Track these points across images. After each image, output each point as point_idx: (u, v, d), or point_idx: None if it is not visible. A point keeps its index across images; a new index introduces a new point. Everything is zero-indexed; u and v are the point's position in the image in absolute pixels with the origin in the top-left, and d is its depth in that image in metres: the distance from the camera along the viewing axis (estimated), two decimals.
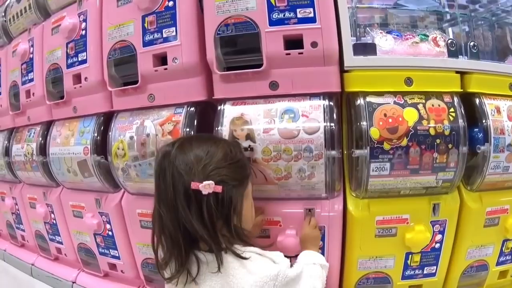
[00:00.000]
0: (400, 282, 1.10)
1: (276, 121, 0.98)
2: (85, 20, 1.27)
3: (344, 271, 1.11)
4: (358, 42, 1.09)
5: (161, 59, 1.10)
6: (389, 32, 1.11)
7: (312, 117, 0.97)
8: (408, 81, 1.01)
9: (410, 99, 1.00)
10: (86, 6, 1.28)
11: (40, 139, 1.47)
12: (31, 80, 1.50)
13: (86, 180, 1.30)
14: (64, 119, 1.38)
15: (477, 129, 1.04)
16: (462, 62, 1.05)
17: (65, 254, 1.57)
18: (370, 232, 1.04)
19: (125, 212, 1.24)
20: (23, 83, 1.55)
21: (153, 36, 1.10)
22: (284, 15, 0.96)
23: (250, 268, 0.76)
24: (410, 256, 1.08)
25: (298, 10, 0.96)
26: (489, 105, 1.04)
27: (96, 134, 1.24)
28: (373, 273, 1.09)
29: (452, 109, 0.99)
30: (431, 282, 1.12)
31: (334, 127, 0.97)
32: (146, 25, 1.11)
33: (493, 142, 1.00)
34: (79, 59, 1.29)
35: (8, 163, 1.68)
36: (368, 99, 0.99)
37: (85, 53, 1.27)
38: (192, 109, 1.07)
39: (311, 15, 0.95)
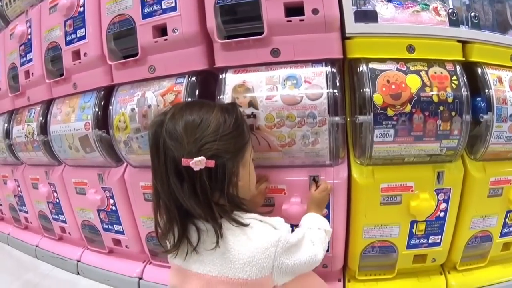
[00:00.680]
0: (405, 251, 1.11)
1: (279, 87, 0.97)
2: None
3: (349, 239, 1.11)
4: (359, 9, 1.08)
5: (161, 30, 1.09)
6: (389, 1, 1.09)
7: (314, 83, 0.97)
8: (410, 49, 1.00)
9: (412, 66, 0.99)
10: None
11: (41, 118, 1.46)
12: (30, 60, 1.49)
13: (88, 156, 1.29)
14: (64, 96, 1.37)
15: (479, 98, 1.03)
16: (464, 32, 1.04)
17: (69, 233, 1.58)
18: (375, 199, 1.03)
19: (128, 186, 1.24)
20: (22, 64, 1.53)
21: (152, 8, 1.09)
22: None
23: (251, 235, 0.75)
24: (415, 224, 1.08)
25: None
26: (491, 75, 1.03)
27: (97, 109, 1.23)
28: (379, 241, 1.09)
29: (454, 77, 0.98)
30: (436, 251, 1.12)
31: (337, 94, 0.96)
32: None
33: (495, 112, 0.99)
34: (78, 36, 1.27)
35: (9, 146, 1.67)
36: (371, 65, 0.98)
37: (83, 29, 1.25)
38: (193, 78, 1.06)
39: None
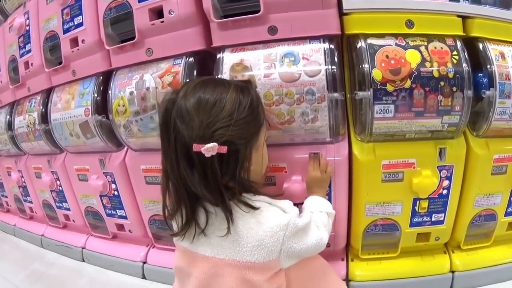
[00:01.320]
0: (408, 229, 1.10)
1: (277, 65, 0.96)
2: None
3: (351, 217, 1.11)
4: None
5: (157, 13, 1.08)
6: None
7: (313, 59, 0.96)
8: (409, 24, 0.98)
9: (412, 41, 0.97)
10: None
11: (41, 107, 1.46)
12: (29, 51, 1.50)
13: (88, 142, 1.30)
14: (63, 84, 1.38)
15: (481, 74, 1.01)
16: (463, 6, 1.01)
17: (73, 220, 1.59)
18: (376, 176, 1.03)
19: (129, 170, 1.24)
20: (21, 55, 1.54)
21: None
22: None
23: (260, 218, 0.73)
24: (418, 202, 1.07)
25: None
26: (493, 50, 1.00)
27: (96, 95, 1.23)
28: (381, 219, 1.08)
29: (455, 52, 0.97)
30: (439, 229, 1.11)
31: (336, 70, 0.95)
32: None
33: (498, 88, 0.97)
34: (75, 23, 1.28)
35: (11, 137, 1.69)
36: (369, 41, 0.97)
37: (80, 16, 1.26)
38: (191, 59, 1.06)
39: None
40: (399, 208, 1.07)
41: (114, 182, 1.31)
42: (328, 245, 1.07)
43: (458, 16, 1.00)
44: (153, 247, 1.39)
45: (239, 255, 0.73)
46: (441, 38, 0.98)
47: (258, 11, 0.96)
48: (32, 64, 1.49)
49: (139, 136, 1.14)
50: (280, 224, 0.73)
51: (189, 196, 0.73)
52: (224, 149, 0.68)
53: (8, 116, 1.70)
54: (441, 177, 1.04)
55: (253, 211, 0.74)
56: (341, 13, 0.99)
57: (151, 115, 1.08)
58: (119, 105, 1.12)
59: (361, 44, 0.96)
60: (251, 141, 0.75)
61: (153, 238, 1.33)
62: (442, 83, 0.94)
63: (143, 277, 1.38)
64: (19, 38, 1.54)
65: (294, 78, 0.95)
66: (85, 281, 1.44)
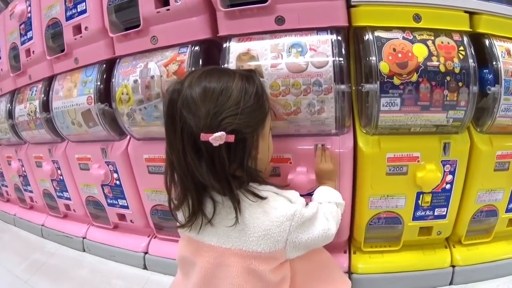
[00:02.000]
0: (411, 223, 1.10)
1: (284, 55, 0.96)
2: None
3: (355, 210, 1.11)
4: None
5: (163, 1, 1.07)
6: None
7: (320, 50, 0.95)
8: (417, 18, 0.98)
9: (419, 35, 0.97)
10: None
11: (43, 95, 1.45)
12: (30, 38, 1.48)
13: (90, 131, 1.29)
14: (65, 72, 1.36)
15: (487, 70, 1.01)
16: (471, 2, 1.01)
17: (73, 210, 1.58)
18: (381, 169, 1.03)
19: (131, 159, 1.23)
20: (22, 43, 1.52)
21: None
22: None
23: (267, 208, 0.73)
24: (421, 196, 1.07)
25: None
26: (499, 47, 1.00)
27: (99, 83, 1.22)
28: (385, 212, 1.09)
29: (461, 48, 0.96)
30: (442, 224, 1.12)
31: (343, 62, 0.94)
32: None
33: (503, 84, 0.97)
34: (79, 10, 1.26)
35: (12, 126, 1.67)
36: (377, 33, 0.96)
37: (84, 3, 1.24)
38: (197, 48, 1.05)
39: None
40: (403, 201, 1.07)
41: (116, 172, 1.30)
42: None
43: (466, 12, 0.99)
44: (154, 238, 1.39)
45: (245, 245, 0.73)
46: (448, 33, 0.98)
47: (265, 1, 0.95)
48: (33, 51, 1.47)
49: (143, 125, 1.13)
50: (287, 214, 0.73)
51: (196, 186, 0.73)
52: (231, 138, 0.68)
53: (9, 105, 1.69)
54: (444, 171, 1.04)
55: (260, 201, 0.73)
56: (349, 5, 0.98)
57: (155, 103, 1.07)
58: (122, 94, 1.11)
59: (368, 36, 0.96)
60: (258, 129, 0.75)
61: (154, 229, 1.33)
62: (448, 78, 0.94)
63: (145, 267, 1.38)
64: (20, 25, 1.52)
65: (301, 69, 0.94)
66: (86, 272, 1.43)
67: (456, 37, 0.98)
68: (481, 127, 1.06)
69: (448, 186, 1.07)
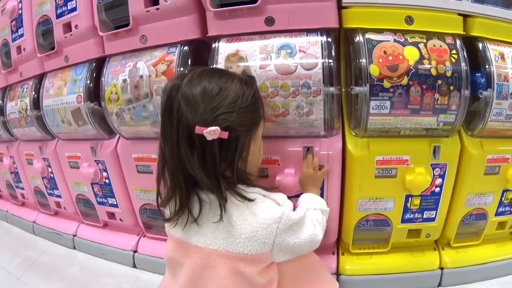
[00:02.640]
0: (399, 225, 1.10)
1: (273, 56, 0.95)
2: None
3: (343, 212, 1.11)
4: None
5: (153, 0, 1.06)
6: None
7: (309, 52, 0.94)
8: (409, 20, 0.97)
9: (410, 37, 0.96)
10: None
11: (33, 93, 1.44)
12: (21, 35, 1.47)
13: (80, 129, 1.28)
14: (56, 70, 1.35)
15: (479, 74, 1.00)
16: (465, 5, 1.00)
17: (64, 208, 1.58)
18: (369, 172, 1.02)
19: (121, 158, 1.23)
20: (14, 39, 1.51)
21: None
22: None
23: (254, 210, 0.74)
24: (410, 199, 1.07)
25: None
26: (493, 50, 0.99)
27: (88, 81, 1.21)
28: (373, 214, 1.09)
29: (454, 51, 0.96)
30: (430, 227, 1.12)
31: (332, 64, 0.94)
32: None
33: (496, 88, 0.97)
34: (69, 8, 1.25)
35: (3, 123, 1.66)
36: (367, 36, 0.95)
37: (74, 1, 1.23)
38: (186, 48, 1.04)
39: None
40: (391, 204, 1.07)
41: (105, 170, 1.30)
42: None
43: (459, 14, 0.98)
44: (143, 236, 1.39)
45: (232, 246, 0.73)
46: (441, 36, 0.97)
47: (255, 1, 0.94)
48: (24, 49, 1.45)
49: (131, 124, 1.12)
50: (274, 216, 0.73)
51: (186, 181, 0.73)
52: (225, 135, 0.69)
53: (0, 101, 1.67)
54: (434, 175, 1.04)
55: (248, 203, 0.74)
56: (340, 6, 0.97)
57: (144, 103, 1.06)
58: (111, 93, 1.11)
59: (359, 38, 0.95)
60: (251, 130, 0.77)
61: (144, 227, 1.33)
62: (439, 82, 0.93)
63: (134, 266, 1.38)
64: (11, 22, 1.51)
65: (290, 71, 0.94)
66: (77, 269, 1.43)
67: (449, 40, 0.97)
68: (472, 131, 1.05)
69: (437, 189, 1.07)
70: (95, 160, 1.31)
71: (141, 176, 1.20)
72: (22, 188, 1.80)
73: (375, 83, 0.93)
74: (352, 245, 1.15)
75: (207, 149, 0.69)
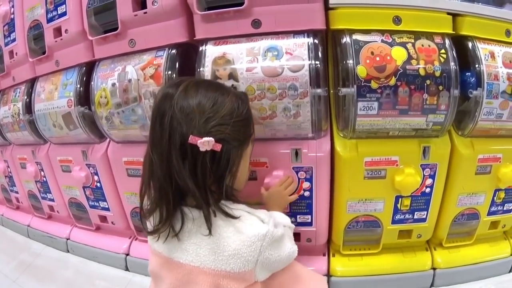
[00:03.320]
0: (390, 226, 1.10)
1: (259, 59, 0.95)
2: None
3: (333, 214, 1.11)
4: None
5: (141, 3, 1.06)
6: None
7: (296, 54, 0.94)
8: (397, 20, 0.96)
9: (398, 38, 0.96)
10: None
11: (25, 97, 1.44)
12: (14, 40, 1.47)
13: (71, 133, 1.28)
14: (47, 74, 1.36)
15: (469, 73, 1.00)
16: (454, 4, 0.99)
17: (57, 211, 1.59)
18: (358, 173, 1.02)
19: (111, 162, 1.23)
20: (6, 44, 1.51)
21: None
22: None
23: (239, 227, 0.73)
24: (400, 199, 1.07)
25: None
26: (482, 49, 0.99)
27: (79, 85, 1.21)
28: (363, 216, 1.09)
29: (443, 51, 0.95)
30: (422, 227, 1.12)
31: (319, 65, 0.94)
32: None
33: (486, 88, 0.96)
34: (59, 12, 1.25)
35: None
36: (355, 36, 0.95)
37: (64, 5, 1.23)
38: (173, 51, 1.04)
39: None
40: (381, 205, 1.07)
41: (96, 174, 1.30)
42: (309, 240, 1.10)
43: (449, 13, 0.98)
44: (135, 239, 1.40)
45: (214, 264, 0.72)
46: (429, 35, 0.97)
47: (242, 4, 0.94)
48: (16, 53, 1.46)
49: (121, 128, 1.13)
50: (259, 234, 0.72)
51: (173, 192, 0.72)
52: (218, 147, 0.69)
53: None
54: (424, 175, 1.04)
55: (232, 220, 0.73)
56: (327, 8, 0.97)
57: (133, 107, 1.06)
58: (101, 97, 1.11)
59: (346, 39, 0.95)
60: (243, 146, 0.78)
61: (135, 231, 1.34)
62: (428, 82, 0.93)
63: (126, 269, 1.38)
64: (4, 26, 1.51)
65: (276, 73, 0.94)
66: (71, 272, 1.44)
67: (438, 39, 0.97)
68: (462, 131, 1.05)
69: (428, 190, 1.06)
70: (86, 164, 1.31)
71: (131, 179, 1.20)
72: (17, 192, 1.81)
73: (362, 84, 0.93)
74: (343, 247, 1.15)
75: (199, 160, 0.69)
